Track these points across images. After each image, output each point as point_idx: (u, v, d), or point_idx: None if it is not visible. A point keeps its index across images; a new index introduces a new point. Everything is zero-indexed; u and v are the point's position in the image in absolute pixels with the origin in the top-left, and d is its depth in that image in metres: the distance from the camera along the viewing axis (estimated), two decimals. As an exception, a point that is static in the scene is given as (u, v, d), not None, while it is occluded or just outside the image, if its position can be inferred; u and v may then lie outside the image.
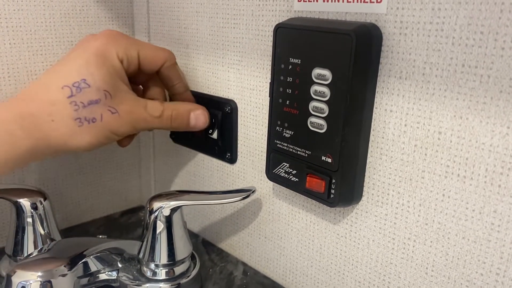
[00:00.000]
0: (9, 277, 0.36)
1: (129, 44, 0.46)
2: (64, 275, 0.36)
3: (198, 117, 0.50)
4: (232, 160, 0.52)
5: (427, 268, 0.37)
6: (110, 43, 0.44)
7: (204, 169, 0.57)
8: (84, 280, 0.43)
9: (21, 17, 0.52)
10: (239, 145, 0.51)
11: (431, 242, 0.36)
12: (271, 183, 0.49)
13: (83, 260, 0.40)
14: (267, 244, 0.51)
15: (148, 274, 0.47)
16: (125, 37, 0.46)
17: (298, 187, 0.42)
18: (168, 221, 0.46)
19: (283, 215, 0.48)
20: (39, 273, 0.35)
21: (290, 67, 0.40)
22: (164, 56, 0.48)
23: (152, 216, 0.46)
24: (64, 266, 0.37)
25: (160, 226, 0.46)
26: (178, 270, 0.47)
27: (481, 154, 0.32)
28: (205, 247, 0.58)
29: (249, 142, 0.50)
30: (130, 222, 0.64)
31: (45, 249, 0.40)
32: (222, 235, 0.57)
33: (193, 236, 0.60)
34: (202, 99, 0.53)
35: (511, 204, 0.31)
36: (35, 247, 0.48)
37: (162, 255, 0.46)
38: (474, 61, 0.32)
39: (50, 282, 0.35)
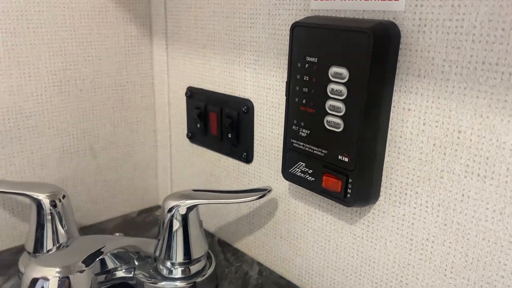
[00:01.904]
0: (28, 273, 0.36)
1: None
2: (81, 271, 0.37)
3: None
4: (248, 159, 0.52)
5: (445, 269, 0.37)
6: None
7: (220, 168, 0.57)
8: (101, 277, 0.43)
9: (41, 18, 0.53)
10: (255, 145, 0.51)
11: (450, 243, 0.36)
12: (287, 182, 0.48)
13: (100, 257, 0.40)
14: (282, 244, 0.51)
15: (164, 272, 0.47)
16: None
17: (314, 187, 0.42)
18: (184, 219, 0.46)
19: (299, 215, 0.48)
20: (58, 269, 0.35)
21: (306, 65, 0.40)
22: None
23: (169, 215, 0.46)
24: (82, 263, 0.37)
25: (176, 225, 0.46)
26: (194, 268, 0.47)
27: (502, 153, 0.32)
28: (221, 246, 0.58)
29: (265, 141, 0.50)
30: (147, 221, 0.65)
31: (63, 246, 0.40)
32: (238, 235, 0.57)
33: (209, 235, 0.60)
34: (219, 99, 0.54)
35: (533, 205, 0.31)
36: (54, 244, 0.49)
37: (178, 254, 0.46)
38: (495, 58, 0.31)
39: (68, 278, 0.36)
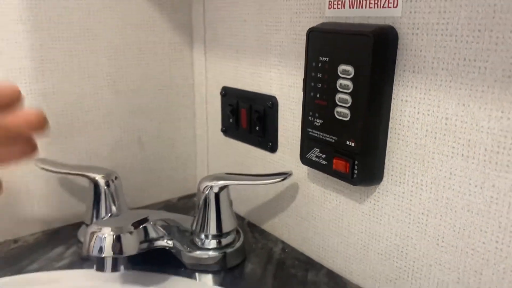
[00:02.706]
0: (89, 229, 0.45)
1: None
2: (130, 233, 0.45)
3: None
4: (273, 149, 0.60)
5: (438, 239, 0.42)
6: None
7: (250, 158, 0.65)
8: (144, 245, 0.51)
9: (99, 28, 0.63)
10: (279, 136, 0.58)
11: (441, 216, 0.41)
12: (306, 168, 0.55)
13: (145, 224, 0.48)
14: (302, 224, 0.58)
15: (199, 243, 0.55)
16: None
17: (327, 169, 0.48)
18: (217, 198, 0.54)
19: (316, 197, 0.55)
20: (112, 228, 0.44)
21: (319, 64, 0.47)
22: None
23: (204, 194, 0.54)
24: (131, 225, 0.46)
25: (210, 202, 0.53)
26: (225, 241, 0.55)
27: (481, 136, 0.37)
28: (249, 227, 0.65)
29: (287, 132, 0.57)
30: (186, 206, 0.73)
31: (115, 215, 0.49)
32: (264, 217, 0.64)
33: (239, 218, 0.68)
34: (248, 96, 0.61)
35: (506, 179, 0.36)
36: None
37: (211, 227, 0.54)
38: (473, 55, 0.37)
39: (119, 236, 0.44)
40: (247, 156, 0.65)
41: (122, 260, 0.45)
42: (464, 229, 0.40)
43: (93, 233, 0.43)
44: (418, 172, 0.43)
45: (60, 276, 0.51)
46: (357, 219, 0.50)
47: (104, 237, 0.43)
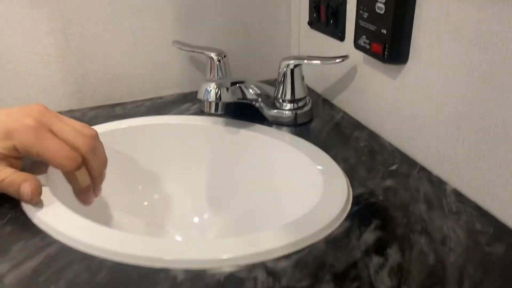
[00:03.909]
0: (202, 85, 0.68)
1: (36, 142, 0.49)
2: (228, 88, 0.68)
3: (24, 189, 0.50)
4: (342, 38, 0.76)
5: (438, 103, 0.57)
6: (25, 130, 0.49)
7: (326, 47, 0.81)
8: (239, 98, 0.73)
9: None
10: (346, 27, 0.74)
11: (440, 84, 0.56)
12: (361, 53, 0.71)
13: (240, 84, 0.70)
14: (357, 97, 0.75)
15: (278, 105, 0.76)
16: (43, 129, 0.50)
17: (369, 52, 0.64)
18: (292, 73, 0.73)
19: (366, 75, 0.71)
20: (216, 84, 0.67)
21: (368, -32, 0.61)
22: (61, 165, 0.51)
23: (283, 69, 0.73)
24: (230, 83, 0.68)
25: (287, 76, 0.73)
26: (296, 105, 0.75)
27: (473, 26, 0.50)
28: (322, 102, 0.84)
29: (351, 24, 0.72)
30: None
31: (219, 77, 0.72)
32: (334, 94, 0.82)
33: (317, 95, 0.87)
34: (327, -5, 0.77)
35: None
36: (218, 84, 0.82)
37: (287, 94, 0.74)
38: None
39: (220, 89, 0.67)
40: (325, 45, 0.82)
41: (222, 106, 0.68)
42: (452, 86, 0.54)
43: (204, 86, 0.67)
44: (431, 53, 0.57)
45: (187, 118, 0.78)
46: (391, 92, 0.66)
47: (210, 88, 0.66)
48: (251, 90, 0.74)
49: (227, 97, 0.67)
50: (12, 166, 0.52)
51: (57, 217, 0.50)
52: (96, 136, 0.54)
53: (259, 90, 0.76)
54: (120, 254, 0.45)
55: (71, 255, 0.46)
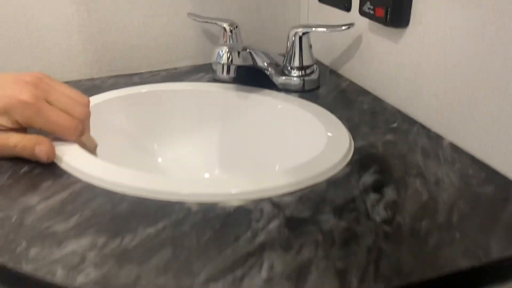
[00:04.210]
0: (215, 49, 0.72)
1: (38, 117, 0.51)
2: (239, 52, 0.72)
3: (40, 153, 0.53)
4: (348, 8, 0.79)
5: (436, 64, 0.60)
6: (23, 107, 0.50)
7: (333, 19, 0.85)
8: (249, 63, 0.77)
9: None
10: (352, -2, 0.78)
11: (437, 47, 0.59)
12: (366, 20, 0.74)
13: (251, 50, 0.74)
14: (362, 65, 0.78)
15: (287, 72, 0.80)
16: (40, 102, 0.51)
17: (373, 17, 0.68)
18: (300, 40, 0.77)
19: (371, 43, 0.74)
20: (228, 48, 0.71)
21: None
22: (63, 134, 0.54)
23: (291, 38, 0.77)
24: (241, 47, 0.72)
25: (295, 43, 0.77)
26: (304, 72, 0.79)
27: (464, -17, 0.53)
28: (330, 72, 0.88)
29: (358, -6, 0.76)
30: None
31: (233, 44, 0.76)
32: (340, 63, 0.86)
33: (324, 66, 0.91)
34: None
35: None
36: (230, 54, 0.86)
37: (295, 61, 0.78)
38: None
39: (231, 53, 0.71)
40: (332, 17, 0.86)
41: (234, 69, 0.72)
42: (443, 55, 0.58)
43: (216, 49, 0.71)
44: (431, 18, 0.60)
45: (200, 85, 0.82)
46: (394, 56, 0.69)
47: (222, 52, 0.71)
48: (261, 58, 0.78)
49: (238, 61, 0.71)
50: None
51: (81, 161, 0.55)
52: (88, 103, 0.57)
53: (268, 59, 0.80)
54: (139, 189, 0.49)
55: (95, 191, 0.50)
